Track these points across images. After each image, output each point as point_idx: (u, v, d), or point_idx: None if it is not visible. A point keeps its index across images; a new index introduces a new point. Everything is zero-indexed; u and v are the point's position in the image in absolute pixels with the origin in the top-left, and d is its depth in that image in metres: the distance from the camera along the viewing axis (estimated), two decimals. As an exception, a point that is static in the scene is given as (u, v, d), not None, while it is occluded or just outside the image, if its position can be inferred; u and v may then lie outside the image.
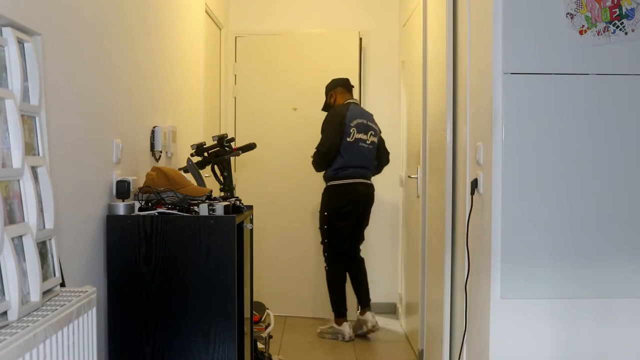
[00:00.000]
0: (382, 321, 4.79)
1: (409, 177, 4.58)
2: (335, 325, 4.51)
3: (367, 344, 4.43)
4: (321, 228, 4.56)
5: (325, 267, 4.61)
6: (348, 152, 4.44)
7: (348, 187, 4.46)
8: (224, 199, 2.84)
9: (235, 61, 5.24)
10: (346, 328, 4.48)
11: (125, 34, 2.64)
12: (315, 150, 4.49)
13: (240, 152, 3.31)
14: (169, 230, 2.38)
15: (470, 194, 2.67)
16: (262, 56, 5.25)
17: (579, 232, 2.40)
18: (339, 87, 4.63)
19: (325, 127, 4.50)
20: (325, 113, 4.63)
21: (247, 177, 5.19)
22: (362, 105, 5.09)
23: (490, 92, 2.41)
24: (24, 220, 1.45)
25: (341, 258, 4.58)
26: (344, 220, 4.49)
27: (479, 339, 2.59)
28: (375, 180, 5.02)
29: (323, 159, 4.44)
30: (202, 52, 4.10)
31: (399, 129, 5.13)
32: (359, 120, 4.51)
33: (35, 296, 1.44)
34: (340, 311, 4.53)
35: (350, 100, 4.63)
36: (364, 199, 4.54)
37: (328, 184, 4.52)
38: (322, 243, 4.61)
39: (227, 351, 2.39)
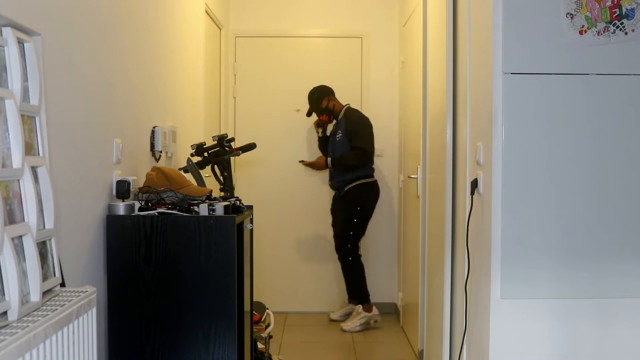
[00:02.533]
0: (382, 321, 4.80)
1: (409, 177, 4.58)
2: (367, 313, 4.75)
3: (367, 344, 4.43)
4: (350, 221, 4.75)
5: (348, 259, 4.79)
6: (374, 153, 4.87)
7: (376, 185, 4.86)
8: (224, 199, 2.84)
9: (235, 61, 5.24)
10: (376, 311, 4.79)
11: (126, 33, 2.64)
12: (360, 149, 4.70)
13: (240, 152, 3.31)
14: (169, 230, 2.38)
15: (470, 194, 2.67)
16: (262, 56, 5.25)
17: (579, 232, 2.40)
18: (332, 95, 4.92)
19: (364, 130, 4.79)
20: (309, 119, 4.99)
21: (247, 177, 5.19)
22: (362, 106, 5.20)
23: (490, 92, 2.41)
24: (24, 220, 1.45)
25: (358, 248, 4.87)
26: (370, 213, 4.87)
27: (479, 339, 2.59)
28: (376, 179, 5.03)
29: (369, 157, 4.76)
30: (202, 52, 4.10)
31: (399, 129, 5.13)
32: None
33: (35, 296, 1.43)
34: (367, 298, 4.81)
35: (347, 104, 4.93)
36: None
37: (361, 181, 4.75)
38: (342, 237, 4.77)
39: (227, 351, 2.39)
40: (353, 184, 4.74)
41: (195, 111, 3.97)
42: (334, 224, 4.93)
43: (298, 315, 5.12)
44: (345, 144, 4.76)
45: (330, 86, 4.94)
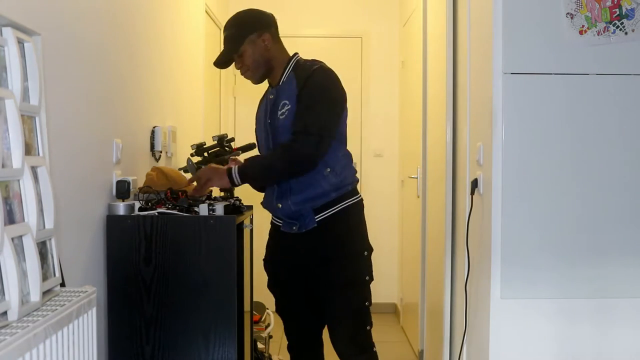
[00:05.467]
0: (382, 321, 4.79)
1: (409, 177, 4.58)
2: None
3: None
4: (358, 284, 2.48)
5: (374, 350, 2.53)
6: (343, 143, 2.57)
7: (361, 204, 2.59)
8: (224, 199, 2.84)
9: (235, 61, 5.24)
10: None
11: (126, 33, 2.64)
12: (303, 134, 2.43)
13: (240, 152, 3.30)
14: (169, 230, 2.38)
15: (470, 194, 2.67)
16: (262, 56, 5.24)
17: (579, 232, 2.40)
18: (270, 30, 2.62)
19: (322, 97, 2.51)
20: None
21: (247, 177, 5.18)
22: (362, 106, 5.15)
23: (490, 92, 2.41)
24: (24, 220, 1.45)
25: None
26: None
27: (479, 339, 2.59)
28: (373, 178, 5.01)
29: (317, 149, 2.44)
30: (202, 52, 4.10)
31: (399, 129, 5.13)
32: None
33: (35, 296, 1.43)
34: None
35: (296, 53, 2.80)
36: None
37: (349, 201, 2.49)
38: (352, 325, 2.49)
39: (227, 351, 2.38)
40: (336, 208, 2.47)
41: (195, 111, 3.97)
42: (294, 302, 2.67)
43: (298, 315, 5.11)
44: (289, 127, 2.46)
45: None
